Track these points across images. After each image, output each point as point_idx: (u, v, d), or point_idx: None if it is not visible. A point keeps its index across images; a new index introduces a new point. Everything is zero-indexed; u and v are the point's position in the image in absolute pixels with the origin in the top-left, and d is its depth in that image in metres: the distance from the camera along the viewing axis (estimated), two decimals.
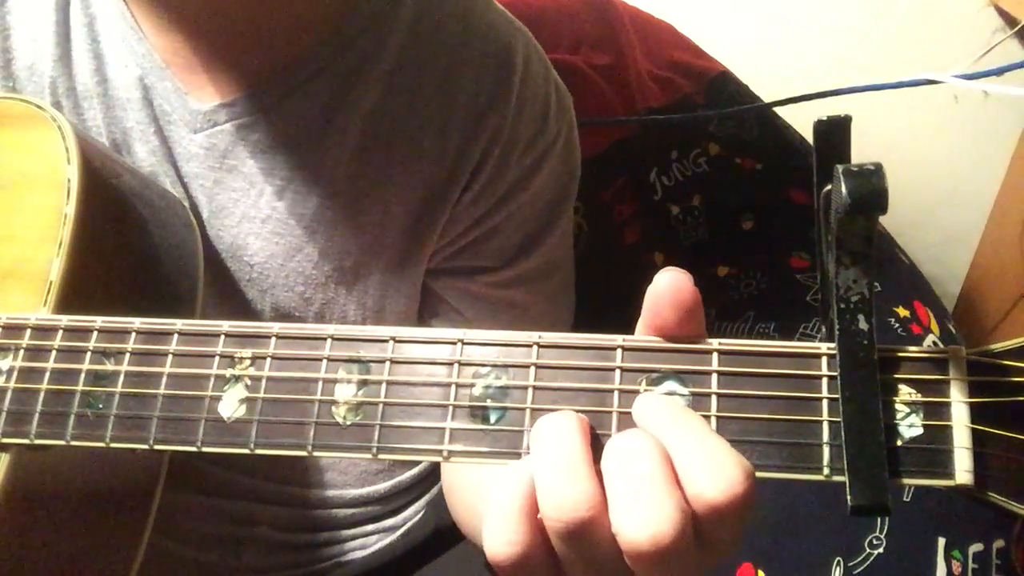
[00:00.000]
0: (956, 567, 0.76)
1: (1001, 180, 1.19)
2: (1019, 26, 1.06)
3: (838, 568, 0.75)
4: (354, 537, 0.74)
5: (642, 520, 0.30)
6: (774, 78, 1.00)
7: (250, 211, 0.61)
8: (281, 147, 0.60)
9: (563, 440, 0.33)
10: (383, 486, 0.73)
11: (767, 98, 0.94)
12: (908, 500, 0.77)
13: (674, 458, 0.32)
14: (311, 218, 0.61)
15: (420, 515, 0.77)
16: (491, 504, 0.34)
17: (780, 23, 1.14)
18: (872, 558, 0.75)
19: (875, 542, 0.76)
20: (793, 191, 0.91)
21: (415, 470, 0.76)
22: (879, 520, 0.76)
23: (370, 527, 0.74)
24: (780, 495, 0.77)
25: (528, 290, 0.69)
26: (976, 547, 0.77)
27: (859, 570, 0.75)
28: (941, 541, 0.76)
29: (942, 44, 1.11)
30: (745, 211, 0.92)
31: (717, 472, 0.31)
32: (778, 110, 0.94)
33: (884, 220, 0.96)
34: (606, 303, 0.75)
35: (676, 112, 0.92)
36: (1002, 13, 1.09)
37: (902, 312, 0.86)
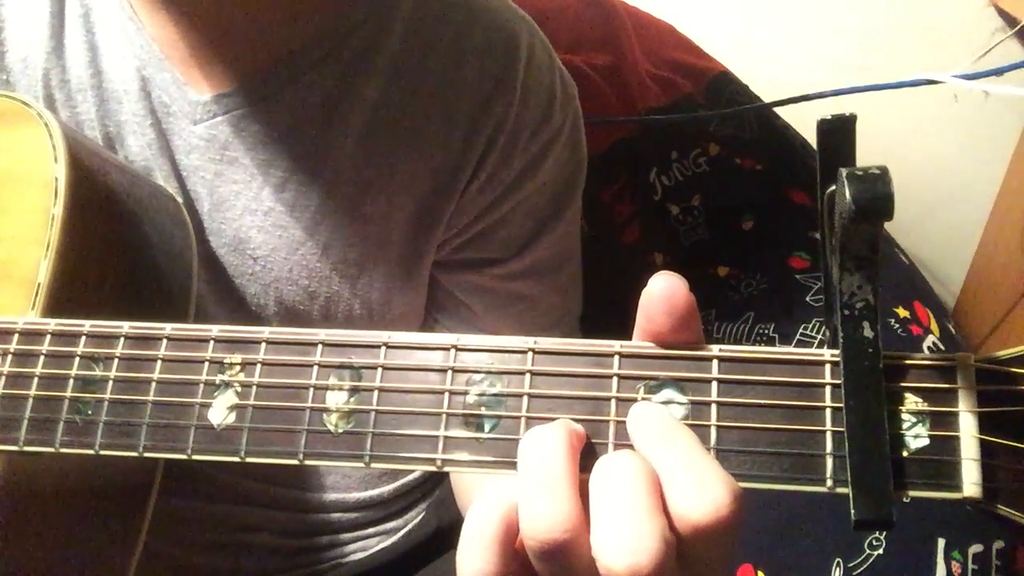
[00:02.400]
0: (956, 568, 0.75)
1: (1001, 180, 1.19)
2: (1019, 26, 1.05)
3: (838, 569, 0.74)
4: (356, 540, 0.73)
5: (621, 549, 0.29)
6: (774, 78, 1.00)
7: (252, 204, 0.60)
8: (283, 138, 0.59)
9: (545, 456, 0.32)
10: (387, 488, 0.73)
11: (767, 98, 0.94)
12: (908, 501, 0.77)
13: (661, 475, 0.31)
14: (315, 210, 0.60)
15: (421, 516, 0.76)
16: (465, 529, 0.33)
17: (780, 23, 1.14)
18: (872, 559, 0.75)
19: (875, 543, 0.75)
20: (793, 191, 0.90)
21: (418, 472, 0.75)
22: None
23: (371, 530, 0.74)
24: (780, 496, 0.77)
25: (537, 282, 0.68)
26: (976, 548, 0.77)
27: (859, 571, 0.74)
28: (941, 542, 0.76)
29: (942, 44, 1.10)
30: (745, 211, 0.91)
31: (703, 493, 0.30)
32: (778, 110, 0.94)
33: None
34: (606, 303, 0.75)
35: (676, 112, 0.92)
36: (1002, 13, 1.08)
37: (902, 312, 0.86)
